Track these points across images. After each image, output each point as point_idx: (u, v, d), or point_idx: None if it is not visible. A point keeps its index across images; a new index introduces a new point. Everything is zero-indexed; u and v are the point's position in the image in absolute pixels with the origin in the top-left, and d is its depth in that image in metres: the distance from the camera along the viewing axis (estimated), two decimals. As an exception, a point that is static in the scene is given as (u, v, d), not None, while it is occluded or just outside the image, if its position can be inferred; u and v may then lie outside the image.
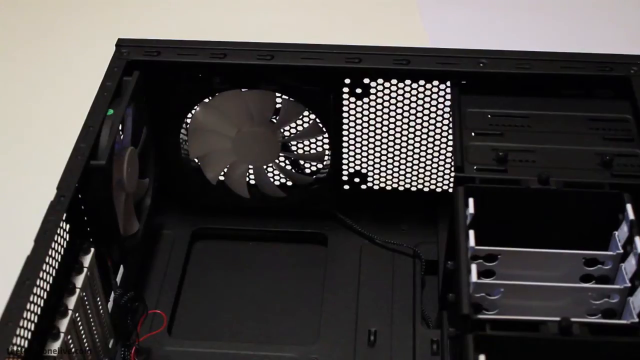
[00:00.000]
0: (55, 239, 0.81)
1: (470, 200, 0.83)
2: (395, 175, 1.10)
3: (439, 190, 1.11)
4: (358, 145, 1.07)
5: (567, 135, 0.91)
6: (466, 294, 0.76)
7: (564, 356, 0.74)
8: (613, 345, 0.74)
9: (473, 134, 0.90)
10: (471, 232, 0.80)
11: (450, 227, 0.90)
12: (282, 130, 1.07)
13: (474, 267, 0.78)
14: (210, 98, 1.03)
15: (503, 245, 0.82)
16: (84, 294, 0.86)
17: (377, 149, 1.07)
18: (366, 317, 1.00)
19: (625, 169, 0.86)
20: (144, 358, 0.95)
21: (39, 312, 0.77)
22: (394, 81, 0.99)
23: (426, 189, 1.11)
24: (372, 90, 1.00)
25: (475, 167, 0.87)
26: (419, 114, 1.02)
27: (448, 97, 0.99)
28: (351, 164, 1.09)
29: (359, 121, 1.04)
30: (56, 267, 0.81)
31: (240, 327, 1.01)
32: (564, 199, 0.84)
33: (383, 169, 1.09)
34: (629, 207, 0.82)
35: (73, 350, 0.83)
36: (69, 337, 0.82)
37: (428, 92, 1.00)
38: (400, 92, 1.00)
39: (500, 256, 0.82)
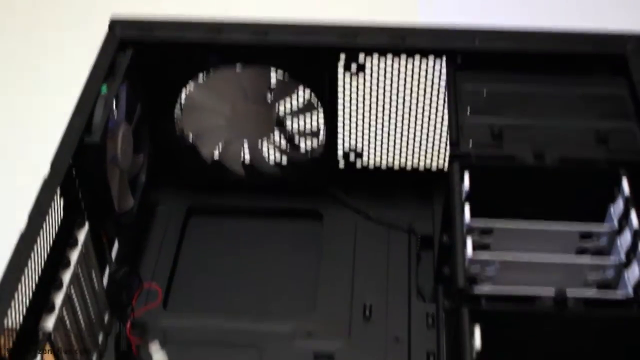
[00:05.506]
0: (50, 214, 0.81)
1: (466, 176, 0.83)
2: (391, 153, 1.10)
3: (434, 169, 1.11)
4: (353, 122, 1.06)
5: (563, 112, 0.90)
6: (461, 268, 0.76)
7: (559, 329, 0.74)
8: (608, 319, 0.74)
9: (469, 110, 0.90)
10: (467, 206, 0.81)
11: (445, 202, 0.90)
12: (277, 107, 1.06)
13: (469, 241, 0.78)
14: (204, 75, 1.02)
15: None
16: (78, 269, 0.86)
17: (373, 126, 1.07)
18: (362, 292, 1.00)
19: (620, 145, 0.86)
20: (140, 332, 0.95)
21: (33, 287, 0.77)
22: (389, 58, 0.99)
23: (422, 168, 1.11)
24: (367, 67, 1.00)
25: (470, 144, 0.86)
26: (415, 91, 1.02)
27: (444, 74, 0.99)
28: (346, 142, 1.09)
29: (354, 98, 1.04)
30: (51, 242, 0.81)
31: (236, 302, 1.01)
32: (559, 175, 0.85)
33: (378, 146, 1.09)
34: (624, 182, 0.82)
35: (68, 325, 0.83)
36: (64, 311, 0.82)
37: (424, 69, 1.00)
38: (396, 69, 1.00)
39: (495, 230, 0.82)
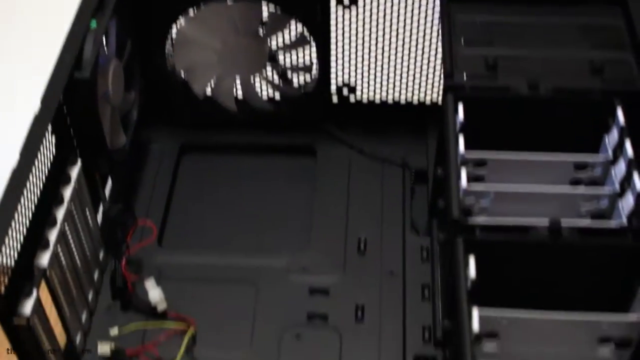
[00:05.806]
0: (41, 150, 0.80)
1: (460, 107, 0.83)
2: (385, 87, 1.09)
3: (428, 103, 1.10)
4: (346, 56, 1.05)
5: (558, 43, 0.90)
6: (456, 199, 0.76)
7: (553, 259, 0.75)
8: (602, 247, 0.74)
9: (462, 41, 0.89)
10: (461, 138, 0.80)
11: (440, 134, 0.90)
12: (269, 41, 1.05)
13: (463, 172, 0.78)
14: (195, 9, 1.01)
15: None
16: (72, 206, 0.85)
17: (366, 60, 1.05)
18: (356, 226, 1.01)
19: (615, 75, 0.85)
20: (135, 269, 0.95)
21: (27, 224, 0.77)
22: (382, -11, 0.98)
23: (415, 102, 1.10)
24: (360, 0, 0.99)
25: (464, 75, 0.86)
26: (408, 24, 1.01)
27: (437, 5, 0.97)
28: (340, 76, 1.08)
29: (347, 32, 1.02)
30: (43, 179, 0.81)
31: (231, 238, 1.01)
32: (554, 105, 0.84)
33: (372, 80, 1.08)
34: (619, 112, 0.82)
35: (63, 262, 0.83)
36: (58, 248, 0.82)
37: (417, 1, 0.98)
38: (389, 1, 0.99)
39: (490, 162, 0.82)
